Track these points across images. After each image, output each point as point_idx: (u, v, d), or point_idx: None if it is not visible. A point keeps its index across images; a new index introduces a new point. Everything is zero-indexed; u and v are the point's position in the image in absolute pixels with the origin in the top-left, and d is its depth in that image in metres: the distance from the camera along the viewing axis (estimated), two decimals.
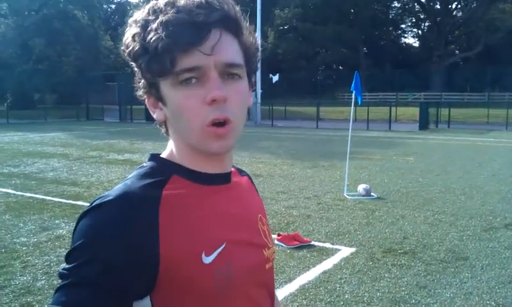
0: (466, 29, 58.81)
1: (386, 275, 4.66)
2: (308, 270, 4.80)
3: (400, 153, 14.29)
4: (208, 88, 0.85)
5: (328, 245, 5.62)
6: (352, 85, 8.44)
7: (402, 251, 5.38)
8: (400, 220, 6.68)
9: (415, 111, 27.87)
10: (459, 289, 4.34)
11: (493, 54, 52.05)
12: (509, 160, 12.88)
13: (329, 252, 5.35)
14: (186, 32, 0.82)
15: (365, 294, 4.22)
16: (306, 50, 55.75)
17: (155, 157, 0.95)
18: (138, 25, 0.86)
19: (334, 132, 21.76)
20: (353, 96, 8.76)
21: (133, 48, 0.86)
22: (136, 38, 0.85)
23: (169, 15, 0.83)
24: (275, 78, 33.33)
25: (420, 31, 65.08)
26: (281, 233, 5.70)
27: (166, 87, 0.87)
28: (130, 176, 0.91)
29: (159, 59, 0.83)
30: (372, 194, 8.24)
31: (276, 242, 5.52)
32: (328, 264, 4.98)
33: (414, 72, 52.91)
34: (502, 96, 42.03)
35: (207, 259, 0.85)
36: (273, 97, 35.89)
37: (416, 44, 67.41)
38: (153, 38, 0.82)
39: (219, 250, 0.87)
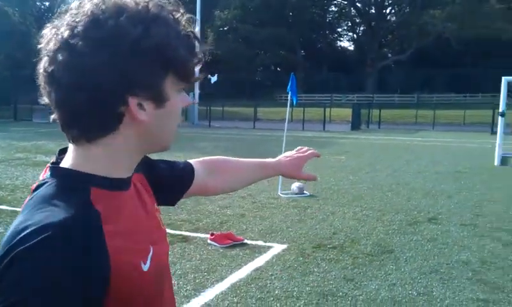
0: (398, 33, 61.41)
1: (315, 269, 4.78)
2: (240, 268, 4.84)
3: (333, 153, 14.70)
4: (183, 95, 0.90)
5: (260, 243, 5.69)
6: (289, 86, 8.60)
7: (331, 246, 5.55)
8: (331, 217, 6.88)
9: (348, 112, 28.78)
10: (384, 280, 4.53)
11: (423, 57, 54.65)
12: (434, 158, 13.60)
13: (261, 250, 5.42)
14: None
15: (295, 289, 4.31)
16: (245, 52, 56.07)
17: (57, 170, 0.85)
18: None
19: (271, 132, 22.04)
20: (289, 97, 8.91)
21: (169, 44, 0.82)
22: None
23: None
24: (214, 78, 33.27)
25: (355, 35, 67.25)
26: (214, 232, 5.70)
27: (170, 90, 0.85)
28: (39, 196, 0.79)
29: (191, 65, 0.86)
30: (305, 192, 8.42)
31: (208, 241, 5.53)
32: (259, 261, 5.04)
33: (349, 75, 54.60)
34: (430, 98, 44.23)
35: (145, 267, 0.85)
36: (211, 98, 35.81)
37: (352, 47, 69.61)
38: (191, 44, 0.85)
39: (150, 255, 0.87)
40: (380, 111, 28.50)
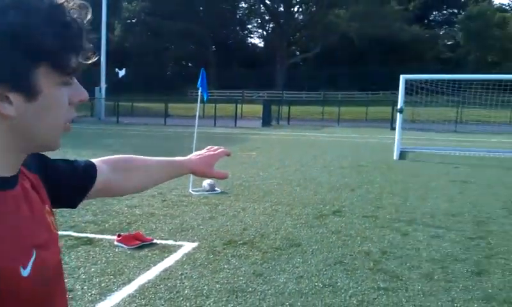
0: (306, 31, 63.39)
1: (225, 266, 4.80)
2: (148, 269, 4.73)
3: (244, 149, 14.87)
4: (76, 89, 0.83)
5: (170, 242, 5.60)
6: (199, 81, 8.52)
7: (241, 242, 5.60)
8: (242, 213, 6.94)
9: (259, 108, 29.24)
10: (291, 274, 4.65)
11: (328, 55, 56.90)
12: (339, 153, 14.22)
13: (171, 249, 5.33)
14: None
15: (205, 287, 4.29)
16: (154, 45, 54.92)
17: None
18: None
19: (182, 129, 21.79)
20: (199, 93, 8.84)
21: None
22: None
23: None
24: (121, 72, 32.25)
25: (265, 32, 68.38)
26: (121, 233, 5.52)
27: (45, 82, 0.77)
28: None
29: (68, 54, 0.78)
30: (216, 188, 8.43)
31: (115, 243, 5.34)
32: (169, 261, 4.96)
33: (259, 71, 55.42)
34: (335, 95, 46.16)
35: (25, 272, 0.79)
36: (119, 93, 34.65)
37: (262, 44, 70.72)
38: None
39: (32, 259, 0.81)
40: (289, 108, 29.31)
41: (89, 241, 5.49)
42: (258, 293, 4.18)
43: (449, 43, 70.99)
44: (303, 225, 6.37)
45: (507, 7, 72.91)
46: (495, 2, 61.31)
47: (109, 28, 43.53)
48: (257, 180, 9.62)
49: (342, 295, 4.17)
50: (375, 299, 4.11)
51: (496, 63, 61.58)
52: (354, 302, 4.05)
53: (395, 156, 13.38)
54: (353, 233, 6.03)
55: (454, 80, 17.93)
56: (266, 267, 4.80)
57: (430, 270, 4.78)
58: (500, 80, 18.32)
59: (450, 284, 4.45)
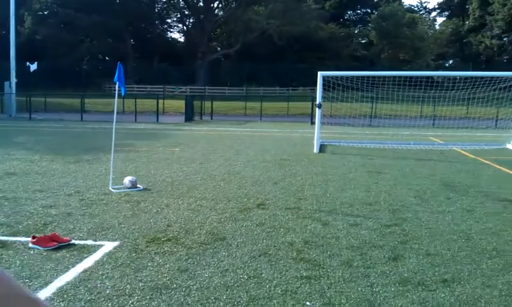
0: (226, 28, 63.40)
1: (149, 264, 4.69)
2: (67, 271, 4.51)
3: (167, 145, 14.63)
4: None
5: (89, 242, 5.37)
6: (116, 76, 8.22)
7: (165, 238, 5.49)
8: (165, 209, 6.82)
9: (181, 104, 28.88)
10: (216, 268, 4.64)
11: (249, 52, 57.33)
12: (262, 147, 14.39)
13: (91, 250, 5.12)
14: None
15: (127, 286, 4.17)
16: (68, 38, 52.43)
17: None
18: None
19: (100, 125, 21.02)
20: (116, 88, 8.54)
21: None
22: None
23: None
24: (33, 66, 30.46)
25: (185, 27, 67.51)
26: (36, 235, 5.22)
27: None
28: None
29: None
30: (138, 185, 8.21)
31: (30, 245, 5.04)
32: (89, 262, 4.76)
33: (180, 66, 54.68)
34: (257, 91, 46.66)
35: None
36: (31, 87, 32.73)
37: (182, 39, 69.82)
38: None
39: None
40: (212, 103, 29.20)
41: (2, 244, 5.14)
42: (183, 289, 4.13)
43: (363, 41, 74.25)
44: (228, 219, 6.38)
45: (416, 9, 77.63)
46: (405, 3, 64.96)
47: (19, 20, 40.94)
48: (181, 175, 9.50)
49: (267, 286, 4.23)
50: (298, 287, 4.21)
51: (408, 61, 65.36)
52: (279, 291, 4.12)
53: (316, 149, 13.78)
54: (277, 225, 6.13)
55: (369, 77, 18.78)
56: (191, 263, 4.75)
57: (350, 257, 4.97)
58: (411, 77, 19.47)
59: (368, 270, 4.65)
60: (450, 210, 7.05)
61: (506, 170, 10.72)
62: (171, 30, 71.22)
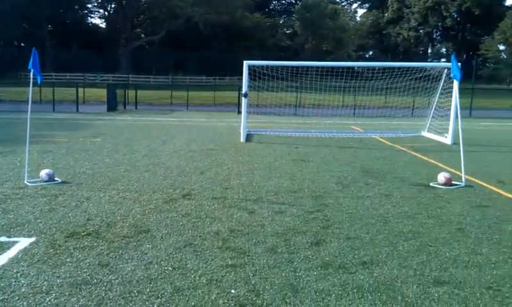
0: (150, 14, 61.81)
1: (68, 260, 4.49)
2: None
3: (88, 135, 14.07)
4: None
5: (3, 239, 5.06)
6: (30, 63, 7.75)
7: (85, 233, 5.29)
8: (85, 203, 6.56)
9: (103, 92, 27.84)
10: (140, 260, 4.54)
11: (174, 39, 56.38)
12: (189, 137, 14.23)
13: (4, 247, 4.82)
14: None
15: (44, 283, 3.97)
16: None
17: None
18: None
19: (16, 115, 19.79)
20: (31, 75, 8.05)
21: None
22: None
23: None
24: None
25: (106, 12, 65.04)
26: None
27: None
28: None
29: None
30: (56, 178, 7.83)
31: None
32: (2, 259, 4.48)
33: (102, 53, 52.69)
34: (184, 79, 46.04)
35: None
36: None
37: (104, 25, 67.22)
38: None
39: None
40: (136, 92, 28.39)
41: None
42: (104, 284, 4.00)
43: (288, 31, 75.47)
44: (152, 211, 6.25)
45: (338, 0, 79.93)
46: None
47: None
48: (102, 167, 9.17)
49: (192, 276, 4.20)
50: (223, 276, 4.22)
51: (330, 51, 67.28)
52: (204, 281, 4.10)
53: (242, 139, 13.84)
54: (203, 215, 6.09)
55: (293, 67, 19.11)
56: (113, 257, 4.61)
57: (274, 244, 5.05)
58: (333, 67, 20.06)
59: (292, 255, 4.75)
60: (369, 195, 7.36)
61: (421, 156, 11.36)
62: (92, 15, 68.32)
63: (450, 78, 10.57)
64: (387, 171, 9.35)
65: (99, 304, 3.68)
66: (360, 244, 5.14)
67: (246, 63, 14.67)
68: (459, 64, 9.60)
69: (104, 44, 56.97)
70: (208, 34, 57.24)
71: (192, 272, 4.30)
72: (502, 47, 66.84)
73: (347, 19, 78.75)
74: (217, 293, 3.89)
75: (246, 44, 60.05)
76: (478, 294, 3.95)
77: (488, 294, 3.95)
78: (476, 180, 8.56)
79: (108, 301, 3.72)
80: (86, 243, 4.97)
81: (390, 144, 13.68)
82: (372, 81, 20.91)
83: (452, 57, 9.27)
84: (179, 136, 14.38)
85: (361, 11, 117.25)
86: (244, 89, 14.54)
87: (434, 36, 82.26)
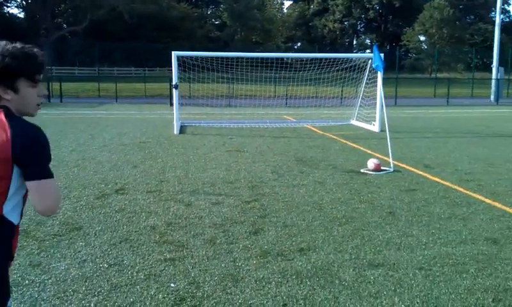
0: (71, 4, 59.17)
1: None
2: None
3: None
4: (41, 89, 1.99)
5: None
6: None
7: None
8: None
9: None
10: (73, 259, 4.36)
11: (99, 30, 54.36)
12: (119, 130, 13.83)
13: None
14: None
15: None
16: None
17: (7, 108, 1.92)
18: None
19: None
20: None
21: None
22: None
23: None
24: None
25: (24, 2, 61.41)
26: None
27: (22, 85, 1.92)
28: (13, 118, 1.89)
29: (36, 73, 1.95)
30: None
31: None
32: None
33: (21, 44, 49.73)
34: (111, 71, 44.53)
35: None
36: None
37: (22, 15, 63.50)
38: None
39: None
40: (61, 84, 27.15)
41: None
42: (37, 285, 3.82)
43: (217, 22, 75.12)
44: (84, 207, 6.02)
45: None
46: None
47: None
48: None
49: (129, 272, 4.09)
50: (162, 270, 4.15)
51: (260, 43, 67.78)
52: (142, 276, 4.01)
53: (176, 131, 13.64)
54: (138, 209, 5.95)
55: (223, 58, 19.06)
56: (44, 256, 4.40)
57: (213, 235, 5.03)
58: (263, 58, 20.24)
59: (231, 245, 4.76)
60: (304, 183, 7.52)
61: (351, 144, 11.76)
62: (9, 4, 64.15)
63: (373, 68, 10.99)
64: (320, 159, 9.59)
65: (33, 305, 3.50)
66: (296, 231, 5.24)
67: (174, 54, 14.43)
68: (382, 54, 10.01)
69: (23, 35, 53.72)
70: (134, 24, 55.65)
71: (129, 268, 4.19)
72: (422, 38, 70.45)
73: (275, 11, 79.65)
74: (156, 287, 3.82)
75: (174, 35, 59.06)
76: (411, 275, 4.15)
77: (420, 274, 4.16)
78: (403, 165, 9.00)
79: (42, 302, 3.54)
80: None
81: (321, 133, 14.04)
82: (302, 72, 21.34)
83: (374, 48, 9.63)
84: (109, 130, 13.94)
85: (287, 3, 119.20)
86: (175, 80, 14.32)
87: (359, 28, 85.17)
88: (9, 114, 1.88)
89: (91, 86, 32.16)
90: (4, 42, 1.91)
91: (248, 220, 5.59)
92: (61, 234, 5.01)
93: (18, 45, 1.90)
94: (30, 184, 1.88)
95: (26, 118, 1.97)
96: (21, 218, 2.02)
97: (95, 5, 53.83)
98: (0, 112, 1.88)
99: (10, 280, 3.83)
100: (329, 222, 5.55)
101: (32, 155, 1.85)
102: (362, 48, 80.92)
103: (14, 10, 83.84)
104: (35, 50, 1.93)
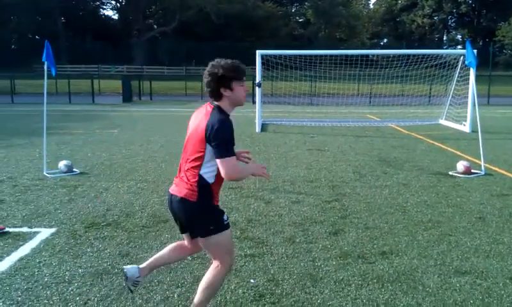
0: (161, 5, 61.73)
1: (88, 250, 4.54)
2: (1, 260, 4.29)
3: (105, 126, 14.17)
4: (245, 85, 3.02)
5: (25, 229, 5.14)
6: (44, 55, 7.81)
7: (105, 223, 5.34)
8: (104, 193, 6.62)
9: (118, 84, 28.00)
10: (160, 250, 4.54)
11: (187, 30, 56.26)
12: None
13: (26, 237, 4.90)
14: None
15: (66, 273, 4.02)
16: None
17: (218, 106, 2.97)
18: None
19: (33, 107, 20.02)
20: (45, 68, 8.12)
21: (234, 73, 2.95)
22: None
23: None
24: None
25: (118, 4, 65.11)
26: None
27: (235, 85, 2.95)
28: (213, 111, 2.94)
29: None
30: (74, 169, 7.92)
31: None
32: (25, 249, 4.55)
33: (116, 45, 52.85)
34: (197, 70, 45.94)
35: None
36: None
37: (116, 17, 67.37)
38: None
39: None
40: (151, 83, 28.51)
41: None
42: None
43: (301, 20, 74.84)
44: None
45: None
46: None
47: None
48: (120, 158, 9.24)
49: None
50: (242, 266, 4.23)
51: (344, 40, 66.67)
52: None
53: (257, 129, 13.82)
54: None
55: (307, 56, 18.96)
56: (133, 247, 4.65)
57: (292, 234, 5.05)
58: (348, 55, 19.88)
59: (310, 245, 4.75)
60: (387, 184, 7.31)
61: (438, 144, 11.25)
62: (104, 7, 68.27)
63: (466, 65, 10.41)
64: (405, 160, 9.27)
65: (120, 293, 3.72)
66: (378, 233, 5.11)
67: (258, 52, 14.61)
68: (475, 51, 9.45)
69: (117, 35, 57.11)
70: (221, 24, 57.00)
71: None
72: None
73: (360, 7, 77.84)
74: (237, 282, 3.91)
75: (259, 34, 59.74)
76: (501, 284, 3.91)
77: (511, 284, 3.91)
78: (496, 168, 8.46)
79: (128, 290, 3.75)
80: (105, 233, 5.02)
81: (407, 132, 13.56)
82: (387, 69, 20.69)
83: (467, 43, 9.12)
84: None
85: None
86: (258, 78, 14.49)
87: (449, 23, 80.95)
88: (215, 110, 2.94)
89: (178, 84, 33.42)
90: (219, 59, 2.97)
91: (327, 220, 5.54)
92: (148, 226, 5.27)
93: (228, 60, 2.97)
94: (216, 160, 2.87)
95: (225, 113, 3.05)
96: (218, 180, 3.04)
97: (183, 6, 55.81)
98: (212, 108, 2.97)
99: (101, 268, 4.11)
100: (413, 226, 5.36)
101: (216, 138, 2.82)
102: (453, 44, 76.84)
103: (109, 12, 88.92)
104: (238, 62, 3.01)
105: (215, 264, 3.21)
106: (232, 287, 3.83)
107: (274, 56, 17.31)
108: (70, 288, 3.76)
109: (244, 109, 21.44)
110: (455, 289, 3.82)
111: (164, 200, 6.30)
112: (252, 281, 3.94)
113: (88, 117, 17.27)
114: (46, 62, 7.81)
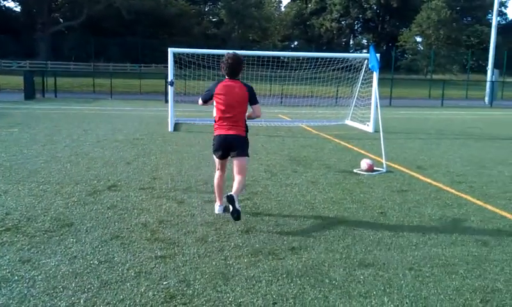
0: None
1: None
2: None
3: (4, 125, 13.23)
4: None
5: None
6: None
7: (4, 228, 4.98)
8: (3, 196, 6.18)
9: (19, 80, 26.25)
10: (64, 255, 4.35)
11: (96, 25, 54.19)
12: (113, 126, 13.79)
13: None
14: None
15: None
16: None
17: (238, 79, 5.60)
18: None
19: None
20: None
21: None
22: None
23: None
24: None
25: None
26: None
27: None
28: (241, 83, 5.54)
29: None
30: None
31: None
32: None
33: (17, 39, 49.62)
34: (107, 67, 44.39)
35: None
36: None
37: (18, 9, 63.19)
38: None
39: None
40: (55, 79, 27.05)
41: None
42: (27, 281, 3.80)
43: (214, 20, 74.95)
44: (76, 203, 6.00)
45: None
46: None
47: None
48: (20, 158, 8.67)
49: (119, 269, 4.09)
50: (153, 268, 4.14)
51: (257, 41, 67.75)
52: (132, 274, 4.01)
53: (170, 128, 13.63)
54: (130, 206, 5.94)
55: (219, 55, 18.96)
56: (34, 252, 4.39)
57: (204, 233, 5.04)
58: (259, 57, 20.19)
59: (223, 243, 4.76)
60: (297, 182, 7.53)
61: (345, 144, 11.78)
62: None
63: (369, 68, 11.02)
64: (313, 159, 9.60)
65: (21, 301, 3.49)
66: (288, 230, 5.25)
67: (171, 50, 14.40)
68: (378, 55, 10.02)
69: (19, 29, 53.61)
70: (131, 20, 55.52)
71: (119, 265, 4.18)
72: (418, 39, 70.60)
73: (272, 9, 79.56)
74: (147, 285, 3.82)
75: (171, 31, 59.00)
76: (401, 275, 4.17)
77: (409, 274, 4.18)
78: (396, 166, 9.03)
79: (31, 298, 3.53)
80: (5, 238, 4.68)
81: (316, 132, 14.06)
82: (298, 71, 21.31)
83: (371, 48, 9.64)
84: (103, 125, 13.90)
85: (285, 1, 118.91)
86: (170, 77, 14.29)
87: (356, 28, 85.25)
88: (241, 82, 5.46)
89: (86, 81, 32.05)
90: (230, 52, 5.32)
91: (231, 218, 5.57)
92: (52, 230, 5.00)
93: (236, 52, 5.31)
94: (253, 107, 5.53)
95: None
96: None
97: (92, 0, 53.63)
98: (238, 81, 5.49)
99: (0, 275, 3.84)
100: (321, 222, 5.57)
101: (253, 94, 5.51)
102: (359, 48, 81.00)
103: (10, 4, 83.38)
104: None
105: (243, 174, 5.58)
106: (142, 290, 3.74)
107: (187, 55, 17.15)
108: None
109: (156, 107, 21.15)
110: (359, 281, 4.02)
111: (68, 203, 6.01)
112: (164, 282, 3.87)
113: None
114: None
